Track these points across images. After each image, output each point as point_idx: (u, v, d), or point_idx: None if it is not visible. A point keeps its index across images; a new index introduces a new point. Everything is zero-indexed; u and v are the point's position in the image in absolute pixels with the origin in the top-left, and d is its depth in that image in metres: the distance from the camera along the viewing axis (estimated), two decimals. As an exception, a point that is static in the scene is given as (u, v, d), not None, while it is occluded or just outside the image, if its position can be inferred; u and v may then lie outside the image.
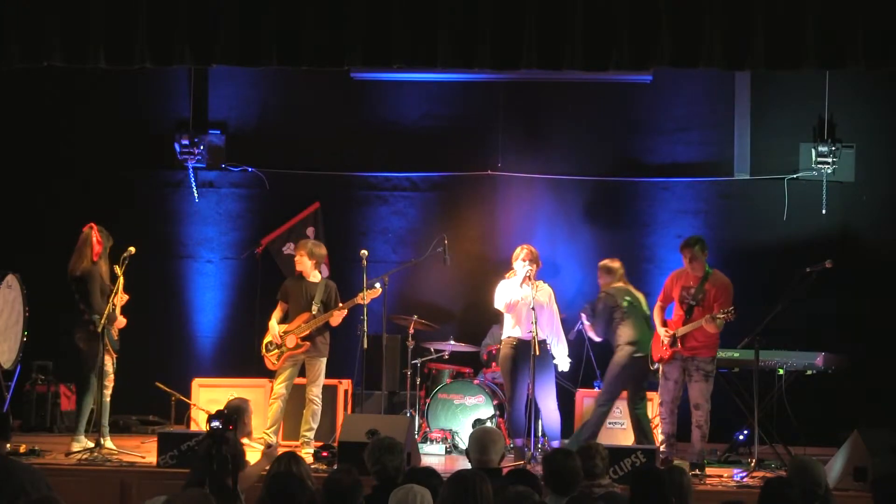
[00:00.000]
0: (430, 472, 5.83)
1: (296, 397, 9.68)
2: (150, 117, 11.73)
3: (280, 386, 9.54)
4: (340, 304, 9.65)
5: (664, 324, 9.20)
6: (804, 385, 9.84)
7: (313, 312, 9.53)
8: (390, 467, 6.01)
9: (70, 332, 9.25)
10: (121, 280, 9.18)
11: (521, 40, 8.41)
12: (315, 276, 9.69)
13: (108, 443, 9.09)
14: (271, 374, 9.76)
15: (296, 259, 9.73)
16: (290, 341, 9.53)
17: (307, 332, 9.50)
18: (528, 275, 9.25)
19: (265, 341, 9.69)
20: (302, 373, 9.65)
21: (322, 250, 9.82)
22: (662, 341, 9.09)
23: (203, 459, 6.07)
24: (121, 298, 9.26)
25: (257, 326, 10.20)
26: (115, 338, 9.26)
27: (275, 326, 9.63)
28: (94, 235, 9.26)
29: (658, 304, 9.33)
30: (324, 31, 8.50)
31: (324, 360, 9.56)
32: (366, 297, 9.51)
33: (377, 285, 9.65)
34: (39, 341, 10.35)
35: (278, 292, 9.77)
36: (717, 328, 8.94)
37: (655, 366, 9.28)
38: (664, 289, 9.35)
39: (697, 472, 8.43)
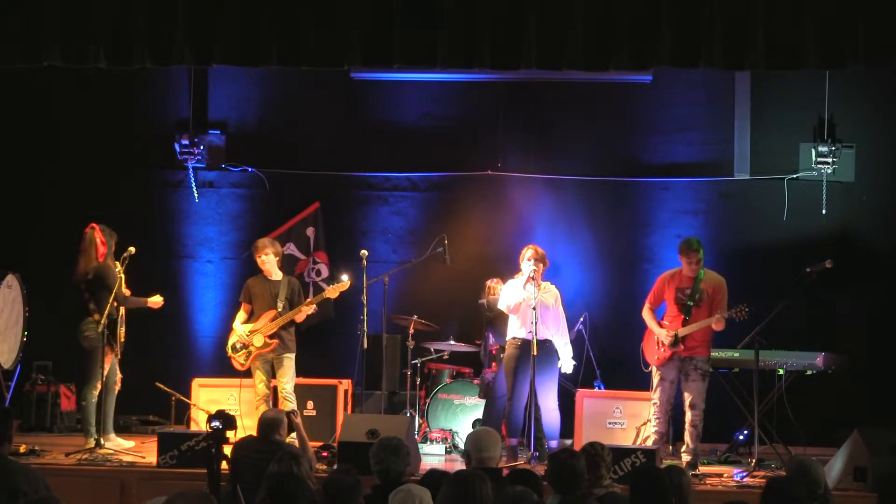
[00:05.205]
0: (440, 474, 5.81)
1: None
2: (150, 117, 11.72)
3: (261, 385, 9.54)
4: (309, 300, 9.65)
5: (659, 325, 9.21)
6: (804, 385, 9.84)
7: (279, 310, 9.53)
8: (392, 469, 6.01)
9: (75, 331, 9.24)
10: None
11: (521, 40, 8.39)
12: (277, 274, 9.69)
13: (91, 443, 9.06)
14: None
15: (267, 261, 9.63)
16: (258, 340, 9.51)
17: (274, 329, 9.49)
18: (531, 275, 9.22)
19: (230, 343, 9.67)
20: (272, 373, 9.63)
21: (279, 246, 9.83)
22: (662, 343, 9.07)
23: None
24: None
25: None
26: (122, 340, 9.25)
27: (239, 327, 9.63)
28: (98, 236, 9.27)
29: (648, 305, 9.30)
30: (324, 31, 8.48)
31: (292, 356, 9.56)
32: (335, 291, 9.57)
33: (344, 278, 9.67)
34: (39, 341, 10.34)
35: (241, 294, 9.77)
36: (724, 326, 8.97)
37: (649, 368, 9.28)
38: (655, 290, 9.30)
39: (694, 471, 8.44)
